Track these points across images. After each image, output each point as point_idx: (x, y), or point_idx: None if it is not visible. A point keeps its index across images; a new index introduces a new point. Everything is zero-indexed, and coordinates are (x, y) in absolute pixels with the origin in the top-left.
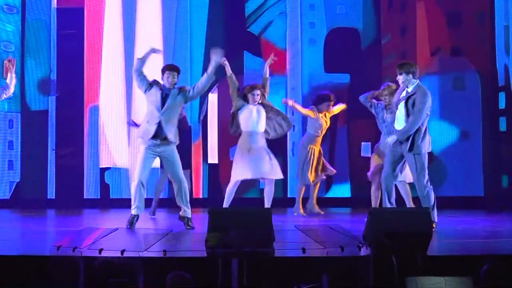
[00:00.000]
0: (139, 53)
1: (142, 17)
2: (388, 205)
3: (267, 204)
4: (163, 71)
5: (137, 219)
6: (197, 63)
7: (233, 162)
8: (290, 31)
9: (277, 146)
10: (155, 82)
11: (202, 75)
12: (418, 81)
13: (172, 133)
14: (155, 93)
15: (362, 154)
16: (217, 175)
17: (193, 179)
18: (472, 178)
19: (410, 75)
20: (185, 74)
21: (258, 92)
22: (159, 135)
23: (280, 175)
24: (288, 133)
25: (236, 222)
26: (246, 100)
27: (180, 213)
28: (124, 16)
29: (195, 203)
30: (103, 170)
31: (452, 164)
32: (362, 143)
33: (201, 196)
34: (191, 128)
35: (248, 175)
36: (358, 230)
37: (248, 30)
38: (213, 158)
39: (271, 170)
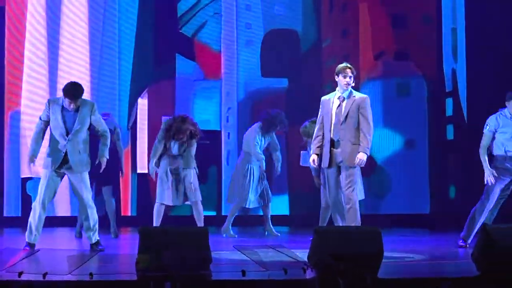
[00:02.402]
0: (63, 56)
1: (67, 17)
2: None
3: (199, 225)
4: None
5: None
6: (126, 66)
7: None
8: (225, 33)
9: (211, 155)
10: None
11: (132, 79)
12: None
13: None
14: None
15: (301, 164)
16: (147, 186)
17: (121, 192)
18: (417, 189)
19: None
20: (113, 79)
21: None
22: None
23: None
24: (223, 141)
25: (169, 242)
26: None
27: None
28: (48, 17)
29: (123, 221)
30: (24, 180)
31: (396, 174)
32: (301, 152)
33: (129, 214)
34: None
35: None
36: (302, 251)
37: (180, 31)
38: (142, 167)
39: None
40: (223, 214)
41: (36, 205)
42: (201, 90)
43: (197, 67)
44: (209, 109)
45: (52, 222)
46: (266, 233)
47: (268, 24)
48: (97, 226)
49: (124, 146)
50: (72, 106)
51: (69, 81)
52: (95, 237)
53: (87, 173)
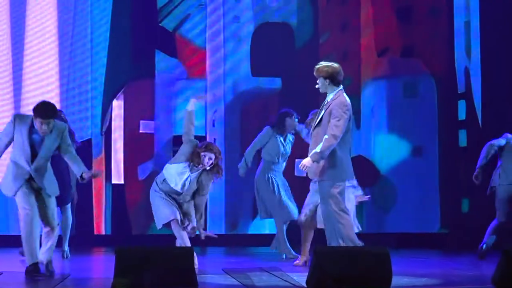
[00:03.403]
0: (29, 52)
1: (33, 8)
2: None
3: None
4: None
5: None
6: (100, 64)
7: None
8: (210, 27)
9: None
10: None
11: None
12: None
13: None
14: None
15: (295, 174)
16: (123, 200)
17: (94, 206)
18: (426, 202)
19: (327, 80)
20: (85, 78)
21: (212, 156)
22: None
23: None
24: None
25: (149, 264)
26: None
27: None
28: (11, 8)
29: (96, 241)
30: None
31: (402, 185)
32: (296, 160)
33: (103, 232)
34: None
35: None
36: (299, 274)
37: (160, 25)
38: (118, 178)
39: None
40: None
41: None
42: (183, 90)
43: (179, 64)
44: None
45: (15, 240)
46: (274, 250)
47: (259, 17)
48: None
49: (96, 154)
50: (44, 128)
51: (41, 100)
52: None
53: (55, 199)
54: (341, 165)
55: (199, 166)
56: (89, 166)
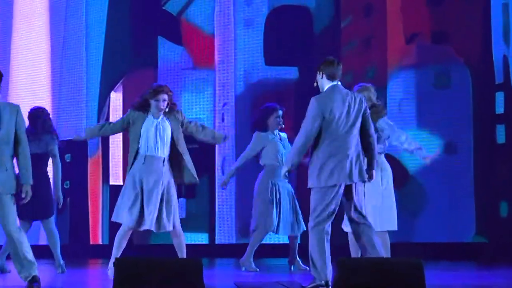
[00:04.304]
0: (18, 40)
1: None
2: None
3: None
4: None
5: None
6: (96, 52)
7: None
8: (219, 10)
9: (202, 162)
10: None
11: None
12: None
13: None
14: None
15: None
16: None
17: (89, 211)
18: (460, 205)
19: (321, 74)
20: (79, 68)
21: (165, 97)
22: None
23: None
24: (217, 145)
25: (153, 277)
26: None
27: None
28: None
29: (92, 251)
30: None
31: (433, 187)
32: None
33: (100, 242)
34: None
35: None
36: None
37: (163, 8)
38: (116, 178)
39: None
40: (217, 242)
41: None
42: (190, 81)
43: (184, 53)
44: (200, 105)
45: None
46: (292, 267)
47: None
48: (30, 257)
49: (92, 153)
50: None
51: None
52: (28, 273)
53: (12, 197)
54: (319, 168)
55: (159, 114)
56: (85, 165)
